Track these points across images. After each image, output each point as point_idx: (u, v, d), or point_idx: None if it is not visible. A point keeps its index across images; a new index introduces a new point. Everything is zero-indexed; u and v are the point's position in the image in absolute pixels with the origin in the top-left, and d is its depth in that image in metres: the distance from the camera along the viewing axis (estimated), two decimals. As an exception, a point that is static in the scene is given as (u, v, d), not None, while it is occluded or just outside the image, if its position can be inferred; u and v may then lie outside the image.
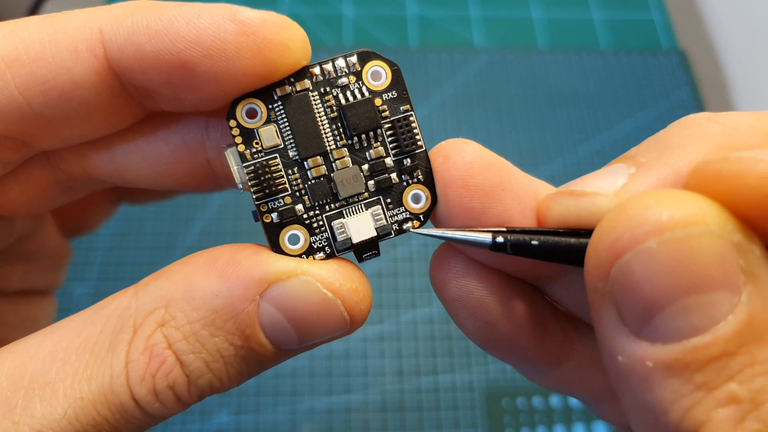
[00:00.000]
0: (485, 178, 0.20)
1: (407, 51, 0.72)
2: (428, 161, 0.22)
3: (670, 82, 0.71)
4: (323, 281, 0.20)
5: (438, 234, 0.21)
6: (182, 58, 0.19)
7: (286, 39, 0.20)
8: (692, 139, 0.18)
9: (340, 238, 0.21)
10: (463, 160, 0.21)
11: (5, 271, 0.28)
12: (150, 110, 0.22)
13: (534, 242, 0.19)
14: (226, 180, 0.25)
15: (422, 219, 0.22)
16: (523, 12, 0.77)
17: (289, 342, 0.20)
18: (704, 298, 0.15)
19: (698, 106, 0.70)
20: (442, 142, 0.21)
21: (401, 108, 0.22)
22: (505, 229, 0.20)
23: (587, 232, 0.19)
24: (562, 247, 0.19)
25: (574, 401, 0.54)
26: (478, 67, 0.71)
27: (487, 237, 0.20)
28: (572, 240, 0.19)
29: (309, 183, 0.21)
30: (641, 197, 0.16)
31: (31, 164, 0.24)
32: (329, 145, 0.22)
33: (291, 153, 0.21)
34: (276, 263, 0.20)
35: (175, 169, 0.24)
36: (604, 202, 0.18)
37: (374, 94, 0.22)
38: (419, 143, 0.22)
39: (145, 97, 0.21)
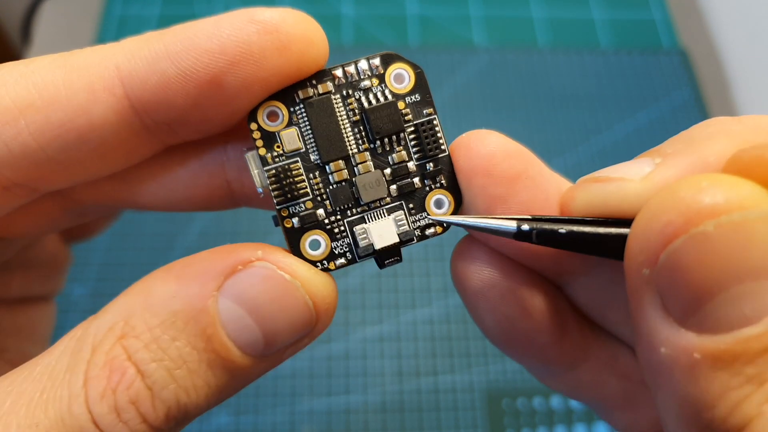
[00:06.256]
0: (509, 166, 0.20)
1: (407, 50, 0.72)
2: (452, 166, 0.22)
3: (671, 81, 0.71)
4: (279, 264, 0.19)
5: (459, 221, 0.20)
6: (210, 72, 0.19)
7: (307, 32, 0.20)
8: (718, 135, 0.18)
9: (362, 244, 0.21)
10: (486, 149, 0.20)
11: (4, 279, 0.27)
12: (169, 144, 0.22)
13: (561, 231, 0.19)
14: (245, 199, 0.24)
15: (445, 225, 0.22)
16: (524, 11, 0.77)
17: (254, 342, 0.19)
18: (758, 286, 0.14)
19: (699, 105, 0.69)
20: (463, 134, 0.21)
21: (424, 111, 0.22)
22: (530, 217, 0.19)
23: (616, 221, 0.18)
24: (591, 237, 0.18)
25: (575, 402, 0.54)
26: (479, 67, 0.71)
27: (511, 225, 0.19)
28: (601, 229, 0.18)
29: (330, 187, 0.21)
30: (691, 180, 0.15)
31: (41, 198, 0.23)
32: (351, 149, 0.21)
33: (312, 157, 0.21)
34: (231, 256, 0.19)
35: (193, 192, 0.24)
36: (631, 188, 0.18)
37: (397, 97, 0.21)
38: (443, 147, 0.22)
39: (166, 132, 0.21)
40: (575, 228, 0.18)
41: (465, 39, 0.74)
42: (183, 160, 0.23)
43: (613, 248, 0.18)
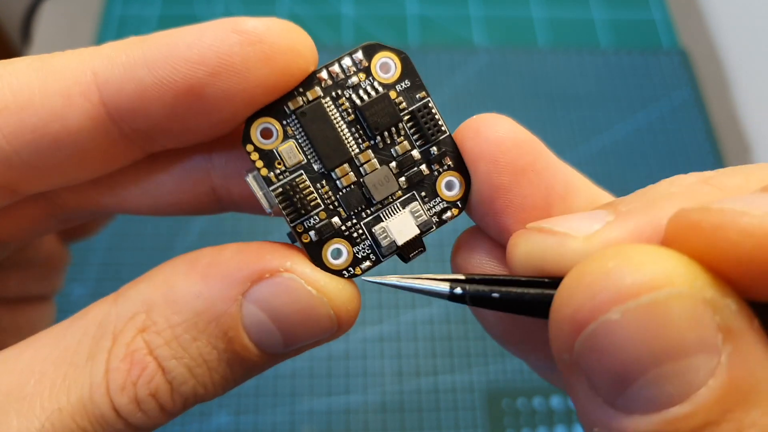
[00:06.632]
0: (517, 156, 0.20)
1: (407, 50, 0.72)
2: (454, 145, 0.21)
3: (671, 81, 0.71)
4: (308, 278, 0.19)
5: (393, 283, 0.20)
6: (188, 83, 0.18)
7: (294, 43, 0.19)
8: (678, 195, 0.17)
9: (384, 243, 0.21)
10: (495, 135, 0.20)
11: (1, 279, 0.27)
12: (150, 152, 0.22)
13: (495, 294, 0.18)
14: (232, 205, 0.24)
15: (460, 206, 0.21)
16: (524, 11, 0.77)
17: (274, 344, 0.20)
18: (680, 365, 0.13)
19: (699, 105, 0.69)
20: (474, 117, 0.21)
21: (417, 96, 0.21)
22: (464, 277, 0.19)
23: (553, 282, 0.17)
24: (526, 302, 0.17)
25: (574, 402, 0.54)
26: (479, 67, 0.71)
27: (444, 287, 0.19)
28: (536, 292, 0.17)
29: (340, 193, 0.21)
30: (601, 259, 0.15)
31: (24, 202, 0.23)
32: (353, 151, 0.21)
33: (316, 166, 0.21)
34: (258, 261, 0.19)
35: (178, 198, 0.24)
36: (572, 246, 0.17)
37: (387, 87, 0.21)
38: (443, 129, 0.21)
39: (145, 140, 0.20)
40: (510, 291, 0.18)
41: (465, 39, 0.74)
42: (166, 166, 0.23)
43: (547, 313, 0.17)
